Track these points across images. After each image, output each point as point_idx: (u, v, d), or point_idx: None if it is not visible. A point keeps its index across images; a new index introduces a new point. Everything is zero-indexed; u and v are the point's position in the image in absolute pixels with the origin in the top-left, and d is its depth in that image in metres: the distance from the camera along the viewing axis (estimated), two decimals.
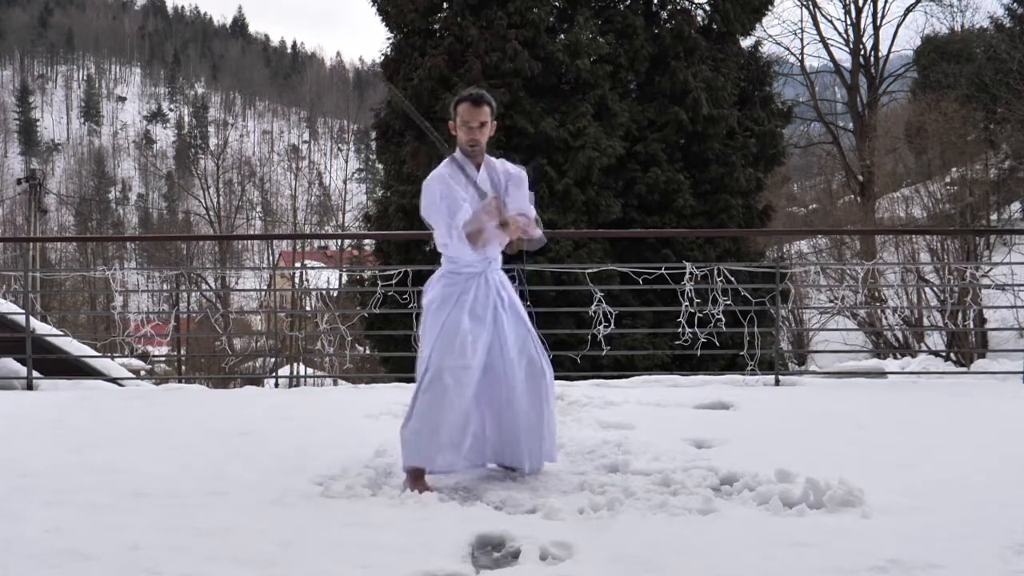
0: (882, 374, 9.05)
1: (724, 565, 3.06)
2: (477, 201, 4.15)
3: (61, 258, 50.53)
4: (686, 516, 3.64)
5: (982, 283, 15.08)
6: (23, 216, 41.76)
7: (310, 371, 20.75)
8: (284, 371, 19.79)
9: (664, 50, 17.44)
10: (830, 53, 36.25)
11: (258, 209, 55.89)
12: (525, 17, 16.59)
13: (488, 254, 4.27)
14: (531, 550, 3.22)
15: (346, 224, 44.35)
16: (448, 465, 4.20)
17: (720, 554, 3.16)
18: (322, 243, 48.16)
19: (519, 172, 4.34)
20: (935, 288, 19.01)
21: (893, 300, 19.79)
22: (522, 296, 7.79)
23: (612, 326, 7.75)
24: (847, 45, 34.44)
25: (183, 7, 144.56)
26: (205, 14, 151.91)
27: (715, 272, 7.69)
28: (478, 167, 4.24)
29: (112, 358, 12.18)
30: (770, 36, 36.70)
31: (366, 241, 27.24)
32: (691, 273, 7.64)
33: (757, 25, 19.72)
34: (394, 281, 7.64)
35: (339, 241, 30.26)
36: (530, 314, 7.75)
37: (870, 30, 34.61)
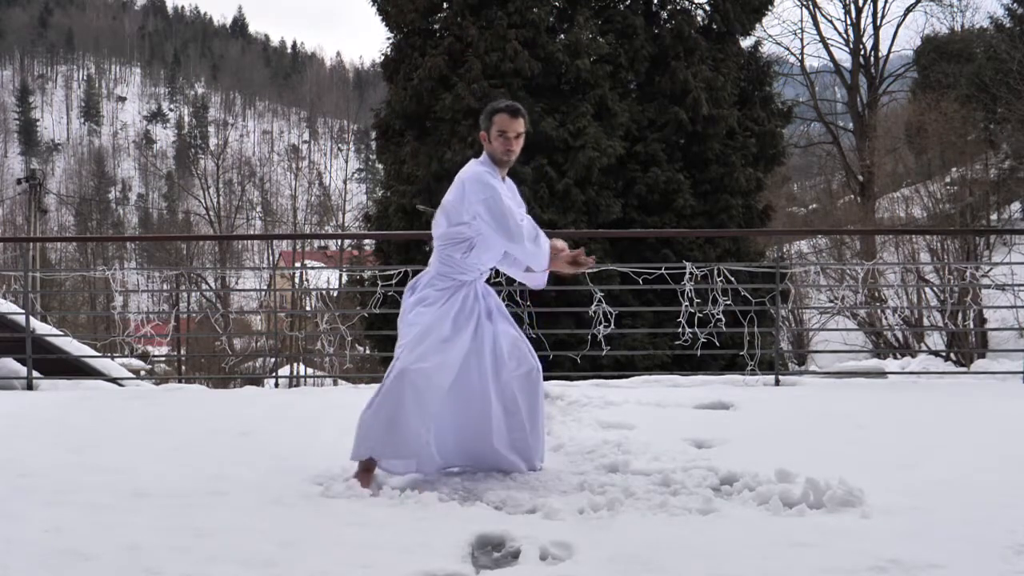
0: (882, 374, 9.05)
1: (724, 565, 3.06)
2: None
3: (61, 258, 50.54)
4: (686, 516, 3.64)
5: (982, 283, 15.08)
6: (23, 216, 41.78)
7: (310, 371, 20.75)
8: (284, 371, 19.79)
9: (664, 50, 17.44)
10: (830, 53, 36.32)
11: (258, 209, 55.92)
12: (525, 17, 16.59)
13: (483, 265, 4.27)
14: (531, 550, 3.22)
15: (346, 224, 44.34)
16: (400, 466, 4.15)
17: (720, 554, 3.16)
18: (322, 243, 48.17)
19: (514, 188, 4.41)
20: (935, 288, 19.01)
21: (893, 300, 19.79)
22: (522, 296, 7.83)
23: (612, 326, 7.75)
24: (847, 45, 34.48)
25: (183, 7, 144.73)
26: (205, 14, 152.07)
27: (715, 272, 7.69)
28: (503, 178, 4.29)
29: (112, 358, 12.19)
30: (770, 36, 36.80)
31: (366, 241, 27.26)
32: (691, 273, 7.64)
33: (757, 25, 19.75)
34: (394, 281, 7.63)
35: (339, 241, 30.26)
36: (530, 314, 7.78)
37: (870, 30, 34.67)
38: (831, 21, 63.61)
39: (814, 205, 36.04)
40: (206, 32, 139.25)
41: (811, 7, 34.27)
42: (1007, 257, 19.32)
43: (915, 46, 35.30)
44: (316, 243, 49.89)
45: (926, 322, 20.13)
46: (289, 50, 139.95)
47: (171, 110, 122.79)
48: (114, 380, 10.10)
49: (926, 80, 31.04)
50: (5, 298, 12.15)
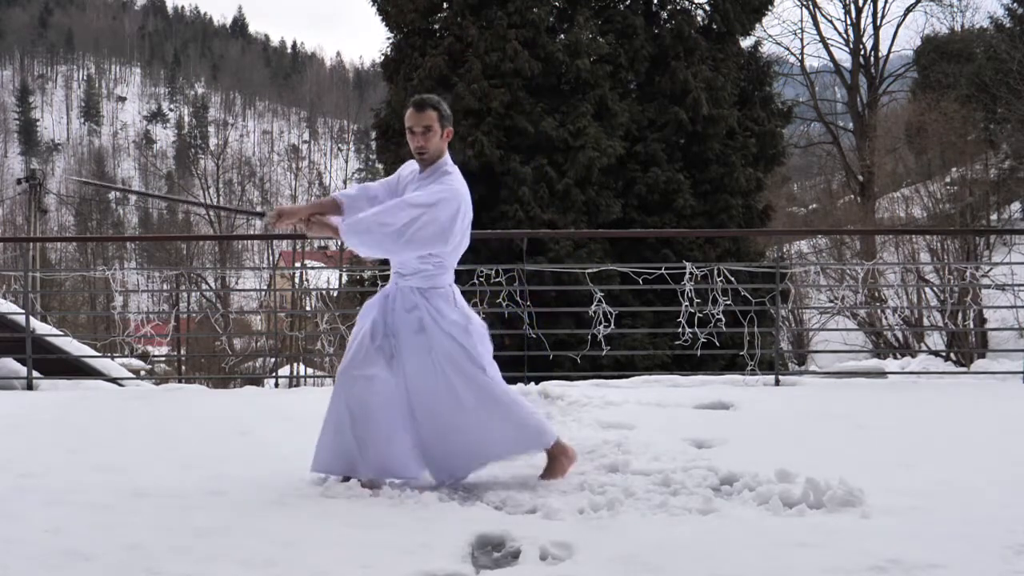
0: (882, 374, 9.04)
1: (724, 565, 3.06)
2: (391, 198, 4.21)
3: (61, 258, 50.53)
4: (686, 516, 3.64)
5: (982, 283, 15.08)
6: (23, 216, 41.77)
7: (310, 371, 20.74)
8: (284, 371, 19.77)
9: (664, 50, 17.45)
10: (830, 53, 36.31)
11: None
12: (525, 17, 16.59)
13: (396, 267, 4.16)
14: (531, 550, 3.22)
15: None
16: (344, 469, 4.06)
17: (720, 554, 3.16)
18: (322, 243, 48.16)
19: (430, 191, 4.06)
20: (935, 288, 19.01)
21: (893, 300, 19.79)
22: (522, 296, 7.83)
23: (612, 326, 7.75)
24: (847, 45, 34.49)
25: (183, 7, 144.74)
26: (205, 14, 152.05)
27: (715, 272, 7.69)
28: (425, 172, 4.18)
29: (112, 358, 12.19)
30: (770, 36, 36.77)
31: None
32: (691, 273, 7.64)
33: (757, 25, 19.75)
34: None
35: (339, 241, 30.13)
36: (530, 314, 7.78)
37: (870, 30, 34.68)
38: (831, 21, 63.62)
39: (814, 205, 36.04)
40: (206, 32, 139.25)
41: (811, 7, 34.32)
42: (1007, 257, 19.31)
43: (915, 46, 35.34)
44: (316, 243, 49.85)
45: (926, 322, 20.13)
46: (289, 50, 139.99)
47: (171, 110, 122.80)
48: (114, 380, 10.10)
49: (926, 80, 31.04)
50: (5, 298, 12.16)
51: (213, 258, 44.36)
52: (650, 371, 11.48)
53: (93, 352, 11.58)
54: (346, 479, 4.06)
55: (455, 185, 4.07)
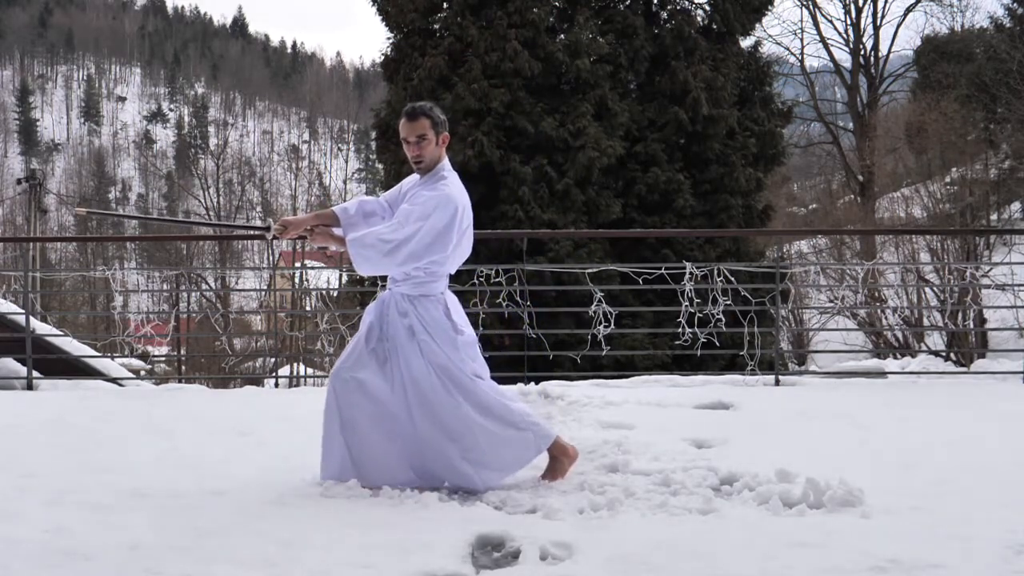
0: (882, 374, 9.04)
1: (724, 565, 3.06)
2: (389, 212, 4.25)
3: (61, 258, 50.54)
4: (686, 516, 3.64)
5: (982, 283, 15.08)
6: (23, 216, 41.77)
7: (310, 371, 20.72)
8: (284, 371, 19.76)
9: (664, 50, 17.44)
10: (830, 53, 36.28)
11: (258, 209, 55.88)
12: (525, 17, 16.59)
13: (392, 275, 4.16)
14: (531, 550, 3.22)
15: None
16: (334, 473, 4.06)
17: (720, 554, 3.16)
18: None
19: (423, 200, 4.05)
20: (935, 288, 19.01)
21: (893, 300, 19.78)
22: (522, 296, 7.83)
23: (612, 326, 7.75)
24: (847, 45, 34.47)
25: (183, 7, 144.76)
26: (205, 14, 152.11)
27: (715, 272, 7.69)
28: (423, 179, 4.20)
29: (112, 358, 12.19)
30: (770, 36, 36.78)
31: None
32: (691, 273, 7.64)
33: (757, 25, 19.73)
34: None
35: (340, 250, 30.05)
36: (530, 314, 7.78)
37: (870, 30, 34.66)
38: (831, 21, 63.57)
39: (814, 205, 36.01)
40: (206, 32, 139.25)
41: (811, 7, 34.30)
42: (1007, 257, 19.31)
43: (915, 46, 35.32)
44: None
45: (926, 322, 20.12)
46: (289, 50, 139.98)
47: (171, 110, 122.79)
48: (114, 380, 10.10)
49: (926, 80, 31.02)
50: (5, 298, 12.15)
51: (213, 258, 44.35)
52: (650, 371, 11.48)
53: (93, 352, 11.58)
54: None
55: (448, 190, 4.07)
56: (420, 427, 4.04)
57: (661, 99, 17.29)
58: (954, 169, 25.10)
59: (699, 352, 7.76)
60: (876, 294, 19.14)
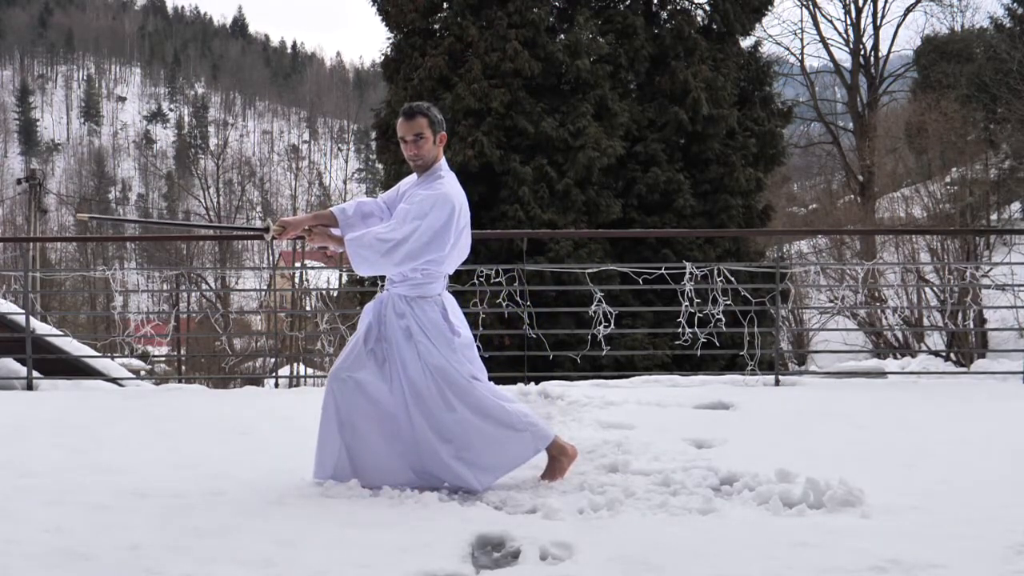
0: (882, 374, 9.05)
1: (724, 565, 3.06)
2: (387, 213, 4.26)
3: (61, 258, 50.51)
4: (686, 516, 3.64)
5: (982, 283, 15.08)
6: (23, 216, 41.77)
7: (310, 371, 20.72)
8: (284, 371, 19.75)
9: (664, 50, 17.44)
10: (830, 53, 36.31)
11: (258, 209, 55.91)
12: (525, 17, 16.59)
13: (390, 276, 4.16)
14: (531, 550, 3.22)
15: None
16: (345, 476, 4.04)
17: (720, 554, 3.16)
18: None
19: (420, 199, 4.04)
20: (935, 288, 19.00)
21: (893, 300, 19.78)
22: (522, 296, 7.83)
23: (612, 326, 7.75)
24: (847, 45, 34.47)
25: (183, 7, 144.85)
26: (205, 14, 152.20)
27: (715, 272, 7.69)
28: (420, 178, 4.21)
29: (112, 358, 12.19)
30: (770, 36, 36.85)
31: None
32: (691, 273, 7.64)
33: (757, 25, 19.73)
34: None
35: (339, 250, 30.03)
36: (530, 314, 7.78)
37: (870, 30, 34.65)
38: (831, 21, 63.74)
39: (814, 205, 35.98)
40: (206, 32, 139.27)
41: (811, 7, 34.30)
42: (1007, 257, 19.31)
43: (915, 46, 35.31)
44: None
45: (926, 322, 20.11)
46: (289, 50, 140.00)
47: (171, 110, 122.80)
48: (114, 380, 10.11)
49: (926, 80, 31.02)
50: (5, 298, 12.16)
51: (213, 258, 44.35)
52: (650, 371, 11.49)
53: (93, 352, 11.58)
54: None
55: (445, 189, 4.07)
56: (416, 427, 4.04)
57: (661, 99, 17.29)
58: (954, 169, 25.09)
59: (699, 352, 7.76)
60: (876, 294, 19.14)
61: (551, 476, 4.18)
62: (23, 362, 7.70)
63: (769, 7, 19.06)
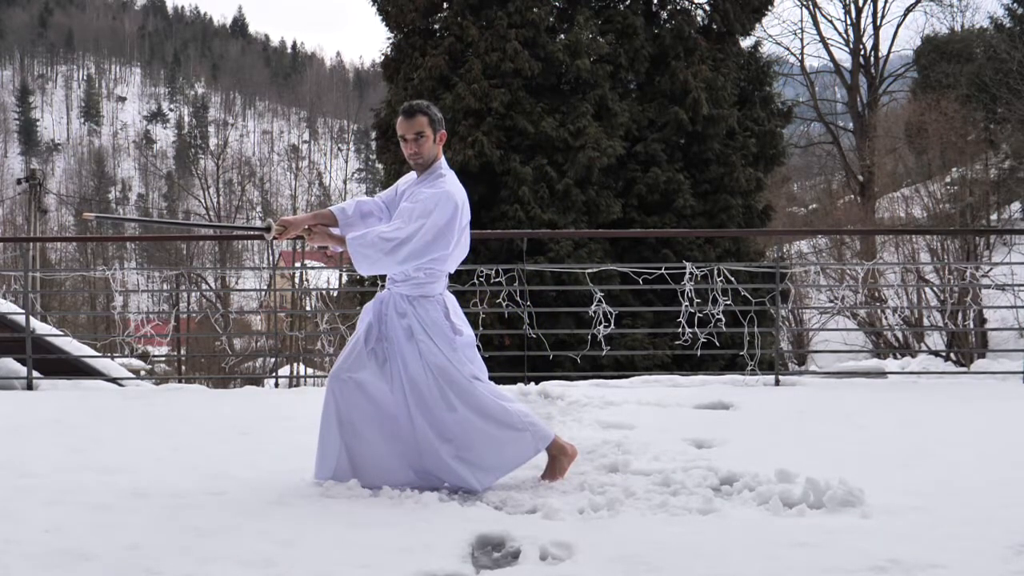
0: (882, 374, 9.04)
1: (724, 565, 3.06)
2: (386, 212, 4.26)
3: (61, 258, 50.52)
4: (686, 516, 3.64)
5: (982, 283, 15.08)
6: (23, 216, 41.78)
7: (310, 371, 20.73)
8: (284, 371, 19.76)
9: (664, 50, 17.44)
10: (830, 53, 36.32)
11: (258, 209, 55.89)
12: (525, 17, 16.59)
13: (390, 274, 4.15)
14: (531, 550, 3.22)
15: None
16: (346, 476, 4.04)
17: (720, 554, 3.16)
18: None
19: (424, 198, 4.04)
20: (935, 288, 19.00)
21: (893, 300, 19.78)
22: (522, 296, 7.83)
23: (612, 326, 7.75)
24: (847, 45, 34.48)
25: (183, 7, 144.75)
26: (205, 14, 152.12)
27: (715, 272, 7.70)
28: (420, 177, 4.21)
29: (112, 358, 12.20)
30: (770, 36, 36.87)
31: None
32: (691, 273, 7.65)
33: (757, 25, 19.74)
34: None
35: (339, 249, 30.03)
36: (530, 314, 7.78)
37: (870, 30, 34.66)
38: (831, 21, 63.76)
39: (814, 205, 35.99)
40: (206, 32, 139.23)
41: (811, 7, 34.31)
42: (1007, 257, 19.32)
43: (915, 46, 35.30)
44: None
45: (926, 322, 20.11)
46: (289, 50, 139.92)
47: (171, 110, 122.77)
48: (114, 380, 10.10)
49: (926, 80, 31.02)
50: (5, 298, 12.17)
51: (213, 258, 44.35)
52: (650, 371, 11.50)
53: (93, 352, 11.59)
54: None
55: (447, 187, 4.07)
56: (417, 427, 4.04)
57: (661, 99, 17.29)
58: (954, 169, 25.09)
59: (699, 352, 7.77)
60: (876, 294, 19.14)
61: (551, 476, 4.18)
62: (23, 362, 7.71)
63: (769, 7, 19.06)
